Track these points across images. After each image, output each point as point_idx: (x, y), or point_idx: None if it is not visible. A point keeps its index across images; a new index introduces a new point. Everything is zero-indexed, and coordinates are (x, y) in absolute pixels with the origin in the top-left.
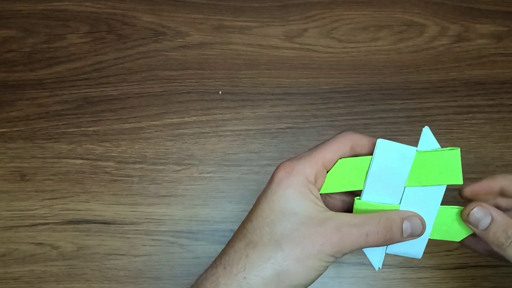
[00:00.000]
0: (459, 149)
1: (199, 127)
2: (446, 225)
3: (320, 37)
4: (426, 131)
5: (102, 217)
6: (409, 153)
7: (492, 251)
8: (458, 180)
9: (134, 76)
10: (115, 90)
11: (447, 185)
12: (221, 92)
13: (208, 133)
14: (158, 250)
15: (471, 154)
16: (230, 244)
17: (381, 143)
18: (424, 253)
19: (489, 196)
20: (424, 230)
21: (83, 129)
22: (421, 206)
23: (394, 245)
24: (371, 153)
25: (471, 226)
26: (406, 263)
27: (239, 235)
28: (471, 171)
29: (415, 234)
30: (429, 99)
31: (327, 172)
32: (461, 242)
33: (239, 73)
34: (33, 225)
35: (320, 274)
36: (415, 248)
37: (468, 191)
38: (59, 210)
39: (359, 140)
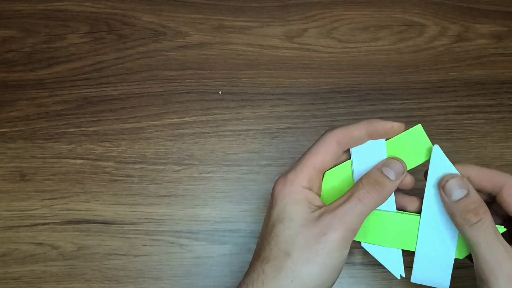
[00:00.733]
0: (419, 124)
1: (199, 127)
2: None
3: (320, 37)
4: (436, 149)
5: (102, 217)
6: (380, 145)
7: None
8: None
9: (134, 76)
10: (115, 90)
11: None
12: (221, 92)
13: (208, 133)
14: (158, 250)
15: (471, 154)
16: (250, 265)
17: (353, 150)
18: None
19: None
20: (404, 164)
21: (83, 129)
22: (437, 247)
23: (419, 273)
24: (358, 139)
25: (443, 193)
26: (406, 263)
27: (255, 255)
28: None
29: (400, 172)
30: (429, 99)
31: (324, 172)
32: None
33: (239, 73)
34: (33, 225)
35: (337, 269)
36: (440, 276)
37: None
38: (59, 210)
39: (342, 134)
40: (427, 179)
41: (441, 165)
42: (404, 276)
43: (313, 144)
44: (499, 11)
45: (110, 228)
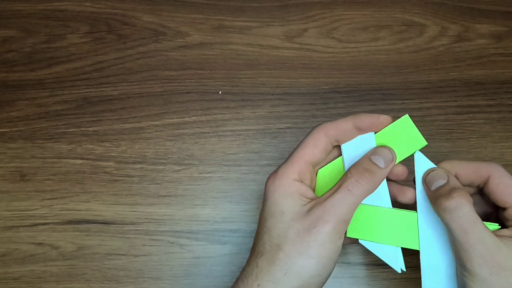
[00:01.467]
0: (407, 114)
1: (199, 127)
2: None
3: (320, 37)
4: (418, 155)
5: (102, 217)
6: (369, 138)
7: None
8: (421, 142)
9: (134, 76)
10: (115, 90)
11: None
12: (221, 92)
13: (208, 133)
14: (158, 250)
15: (471, 154)
16: (247, 261)
17: (344, 145)
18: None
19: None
20: (393, 152)
21: (83, 129)
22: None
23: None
24: (346, 131)
25: (425, 186)
26: (406, 263)
27: (251, 250)
28: None
29: (389, 159)
30: (429, 99)
31: (316, 167)
32: None
33: (239, 73)
34: (33, 225)
35: (332, 260)
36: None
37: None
38: (59, 210)
39: (330, 127)
40: (416, 184)
41: (425, 167)
42: (404, 270)
43: (303, 139)
44: (499, 11)
45: (110, 228)
